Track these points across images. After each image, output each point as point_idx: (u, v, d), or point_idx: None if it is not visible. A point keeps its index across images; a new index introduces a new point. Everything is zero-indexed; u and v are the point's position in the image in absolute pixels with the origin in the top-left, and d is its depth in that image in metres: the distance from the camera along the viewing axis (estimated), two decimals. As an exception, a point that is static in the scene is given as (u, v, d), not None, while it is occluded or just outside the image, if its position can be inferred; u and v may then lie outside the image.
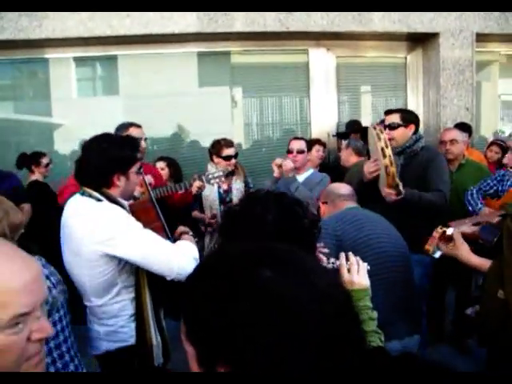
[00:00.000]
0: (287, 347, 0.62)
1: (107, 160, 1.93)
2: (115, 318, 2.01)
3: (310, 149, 4.24)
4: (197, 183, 3.22)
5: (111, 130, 4.65)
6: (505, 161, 3.73)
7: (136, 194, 2.40)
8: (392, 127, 3.11)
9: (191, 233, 2.17)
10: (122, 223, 1.88)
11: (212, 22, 4.38)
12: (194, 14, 4.34)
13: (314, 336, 0.64)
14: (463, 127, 4.06)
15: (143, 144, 3.13)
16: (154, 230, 1.99)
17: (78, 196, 2.00)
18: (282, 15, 4.43)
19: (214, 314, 0.66)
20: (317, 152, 4.34)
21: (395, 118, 3.13)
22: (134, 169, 2.02)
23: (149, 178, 2.59)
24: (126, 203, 2.04)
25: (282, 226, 1.25)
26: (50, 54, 4.73)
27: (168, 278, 1.89)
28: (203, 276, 0.73)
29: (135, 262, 1.91)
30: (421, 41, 4.97)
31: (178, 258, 1.89)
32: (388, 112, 3.26)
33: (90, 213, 1.90)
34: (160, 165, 4.15)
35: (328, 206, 2.49)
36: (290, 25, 4.47)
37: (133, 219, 1.93)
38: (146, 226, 1.96)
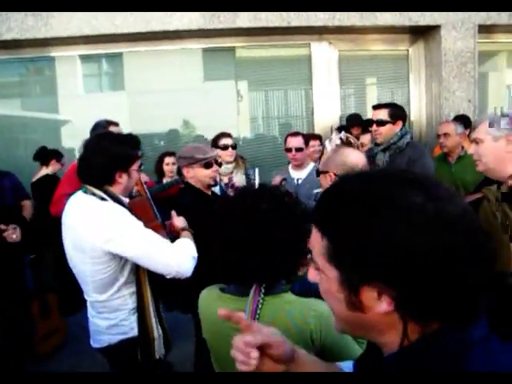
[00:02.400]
0: (457, 261, 0.64)
1: (109, 157, 1.96)
2: (116, 312, 2.05)
3: (306, 144, 4.27)
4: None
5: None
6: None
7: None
8: (379, 123, 3.10)
9: (190, 229, 2.19)
10: (126, 223, 1.91)
11: (214, 18, 4.43)
12: (197, 10, 4.40)
13: (472, 248, 0.66)
14: (462, 119, 4.09)
15: None
16: (154, 228, 2.02)
17: (80, 194, 2.03)
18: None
19: (376, 237, 0.66)
20: (312, 147, 4.33)
21: (383, 115, 3.12)
22: (135, 166, 2.05)
23: (144, 177, 2.64)
24: (126, 200, 2.07)
25: (274, 215, 1.29)
26: (56, 52, 4.81)
27: (167, 277, 1.93)
28: (354, 198, 0.71)
29: (137, 261, 1.94)
30: (422, 33, 4.98)
31: (177, 257, 1.93)
32: (376, 107, 3.24)
33: (96, 212, 1.92)
34: (171, 160, 4.24)
35: None
36: (291, 20, 4.51)
37: (134, 218, 1.96)
38: (145, 224, 1.99)
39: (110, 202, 1.96)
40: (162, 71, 4.95)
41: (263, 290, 1.32)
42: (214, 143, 3.76)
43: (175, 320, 3.11)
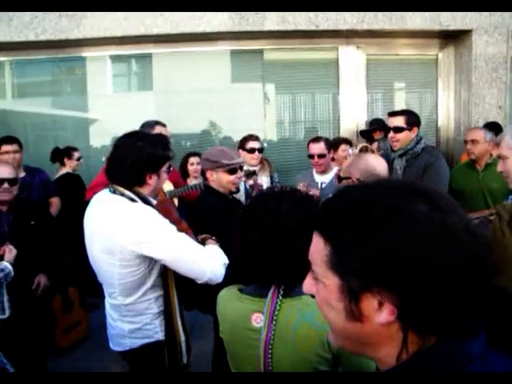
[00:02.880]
0: (457, 272, 0.65)
1: (141, 158, 1.90)
2: (140, 316, 2.00)
3: (336, 148, 4.26)
4: None
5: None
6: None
7: None
8: (397, 130, 3.18)
9: (213, 237, 2.14)
10: (160, 225, 1.87)
11: (243, 20, 4.46)
12: (225, 13, 4.43)
13: (472, 260, 0.66)
14: (491, 126, 4.00)
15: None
16: (183, 230, 1.98)
17: (106, 193, 1.98)
18: (312, 13, 4.46)
19: (380, 243, 0.66)
20: (343, 152, 4.30)
21: (400, 122, 3.20)
22: (165, 167, 2.02)
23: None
24: (154, 202, 2.04)
25: (294, 218, 1.29)
26: (87, 53, 4.92)
27: (199, 282, 1.87)
28: (359, 204, 0.71)
29: (170, 265, 1.90)
30: (453, 38, 4.90)
31: (210, 262, 1.88)
32: (392, 114, 3.32)
33: (126, 213, 1.87)
34: (196, 159, 4.28)
35: None
36: (319, 23, 4.51)
37: (167, 221, 1.91)
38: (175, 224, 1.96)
39: (140, 204, 1.91)
40: (190, 72, 5.00)
41: (282, 292, 1.33)
42: (241, 145, 3.77)
43: (194, 318, 3.15)
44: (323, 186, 3.66)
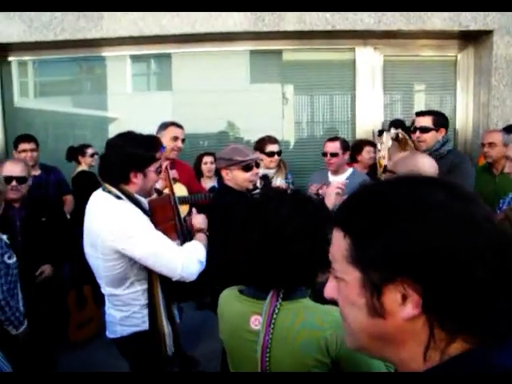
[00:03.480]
0: (480, 261, 0.63)
1: (123, 157, 2.01)
2: (129, 306, 2.12)
3: (361, 150, 4.22)
4: None
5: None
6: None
7: (158, 186, 2.47)
8: (423, 130, 3.11)
9: (205, 230, 2.22)
10: (136, 224, 1.97)
11: (259, 21, 4.46)
12: (242, 13, 4.44)
13: (493, 249, 0.65)
14: (511, 129, 3.91)
15: (179, 144, 3.28)
16: (166, 229, 2.07)
17: (99, 191, 2.10)
18: (328, 14, 4.44)
19: (400, 230, 0.65)
20: (367, 153, 4.25)
21: (427, 122, 3.13)
22: (152, 167, 2.09)
23: (172, 173, 2.69)
24: (143, 200, 2.12)
25: (294, 221, 1.29)
26: (107, 52, 4.98)
27: (173, 279, 1.98)
28: (378, 195, 0.72)
29: (144, 263, 2.00)
30: (473, 38, 4.80)
31: (181, 261, 1.97)
32: (420, 114, 3.25)
33: (108, 210, 1.99)
34: (209, 159, 4.33)
35: None
36: (336, 23, 4.48)
37: (145, 220, 2.01)
38: (160, 222, 2.06)
39: (125, 201, 2.01)
40: (209, 72, 5.01)
41: (281, 295, 1.32)
42: (259, 147, 3.77)
43: (205, 318, 3.17)
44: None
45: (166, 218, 2.19)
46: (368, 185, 0.78)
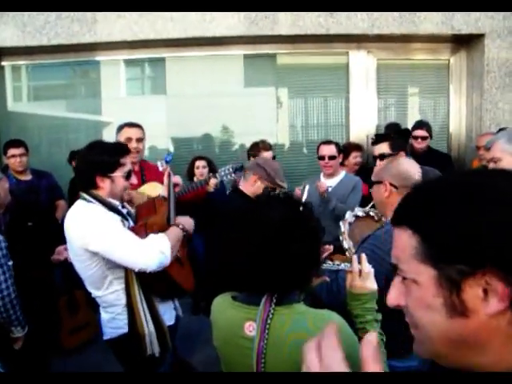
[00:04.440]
0: None
1: (86, 164, 2.17)
2: (113, 307, 2.20)
3: (348, 154, 4.25)
4: (213, 181, 3.22)
5: (157, 127, 4.90)
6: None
7: (162, 193, 2.53)
8: (382, 157, 3.08)
9: (181, 226, 2.27)
10: (97, 222, 2.06)
11: (253, 25, 4.47)
12: (236, 17, 4.45)
13: None
14: (504, 133, 3.94)
15: (133, 145, 3.08)
16: (134, 228, 2.19)
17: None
18: (322, 18, 4.46)
19: (479, 223, 0.61)
20: (354, 159, 4.29)
21: (384, 149, 3.10)
22: (119, 172, 2.18)
23: (176, 179, 2.69)
24: (116, 202, 2.23)
25: (286, 225, 1.28)
26: (101, 57, 4.98)
27: (136, 270, 2.06)
28: (447, 187, 0.68)
29: (108, 257, 2.07)
30: (465, 42, 4.84)
31: (140, 253, 2.04)
32: (375, 142, 3.25)
33: (75, 212, 2.13)
34: (201, 163, 4.34)
35: (397, 193, 1.94)
36: (330, 27, 4.50)
37: (109, 218, 2.11)
38: (140, 218, 2.24)
39: (94, 205, 2.12)
40: (203, 76, 5.02)
41: (275, 300, 1.31)
42: (253, 154, 3.76)
43: (200, 323, 3.15)
44: (329, 189, 3.66)
45: (143, 217, 2.33)
46: (424, 182, 0.75)
